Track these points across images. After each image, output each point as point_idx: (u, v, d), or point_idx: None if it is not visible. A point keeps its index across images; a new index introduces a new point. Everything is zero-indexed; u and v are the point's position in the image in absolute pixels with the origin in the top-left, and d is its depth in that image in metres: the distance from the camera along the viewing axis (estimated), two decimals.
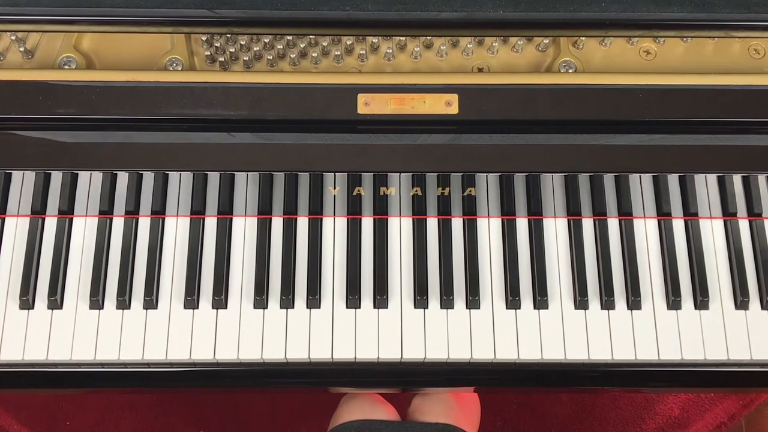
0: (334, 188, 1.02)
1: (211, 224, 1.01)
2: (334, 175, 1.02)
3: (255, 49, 0.99)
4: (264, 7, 0.89)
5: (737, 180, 1.03)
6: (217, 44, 0.99)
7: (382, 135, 0.93)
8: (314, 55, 0.99)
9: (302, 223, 1.01)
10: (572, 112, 0.93)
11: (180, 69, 0.97)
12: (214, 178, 1.02)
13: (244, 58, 0.99)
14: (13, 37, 0.97)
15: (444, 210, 1.01)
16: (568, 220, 1.02)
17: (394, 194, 1.02)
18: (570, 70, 0.98)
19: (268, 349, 0.95)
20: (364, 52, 0.99)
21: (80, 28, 0.94)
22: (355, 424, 1.04)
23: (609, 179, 1.03)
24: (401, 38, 0.99)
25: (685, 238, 1.01)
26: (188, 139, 0.92)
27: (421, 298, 0.97)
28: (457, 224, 1.01)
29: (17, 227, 1.00)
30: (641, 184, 1.03)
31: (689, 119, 0.93)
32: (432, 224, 1.01)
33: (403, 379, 0.99)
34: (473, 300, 0.97)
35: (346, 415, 1.08)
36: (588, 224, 1.02)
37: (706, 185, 1.03)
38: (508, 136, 0.93)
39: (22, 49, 0.97)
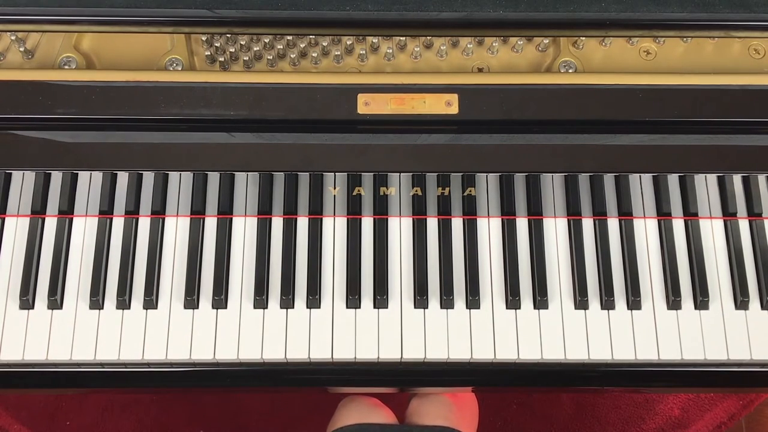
0: (334, 188, 1.02)
1: (211, 224, 1.01)
2: (334, 175, 1.02)
3: (255, 49, 0.99)
4: (264, 7, 0.89)
5: (737, 180, 1.03)
6: (217, 44, 0.99)
7: (382, 135, 0.93)
8: (314, 55, 0.99)
9: (302, 223, 1.01)
10: (572, 112, 0.93)
11: (180, 69, 0.97)
12: (214, 178, 1.02)
13: (244, 58, 0.99)
14: (13, 37, 0.97)
15: (444, 210, 1.01)
16: (568, 220, 1.02)
17: (394, 194, 1.02)
18: (570, 70, 0.98)
19: (268, 349, 0.95)
20: (364, 52, 0.99)
21: (80, 28, 0.94)
22: (353, 428, 1.04)
23: (609, 179, 1.03)
24: (401, 38, 0.99)
25: (685, 238, 1.01)
26: (188, 139, 0.92)
27: (421, 298, 0.97)
28: (457, 224, 1.01)
29: (17, 227, 1.00)
30: (641, 184, 1.03)
31: (689, 119, 0.93)
32: (432, 224, 1.01)
33: (403, 379, 0.99)
34: (473, 300, 0.97)
35: (343, 419, 1.08)
36: (588, 224, 1.02)
37: (706, 185, 1.03)
38: (508, 136, 0.93)
39: (22, 49, 0.97)
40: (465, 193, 1.02)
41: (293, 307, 0.97)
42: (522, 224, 1.01)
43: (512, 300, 0.97)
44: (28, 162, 0.93)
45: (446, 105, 0.92)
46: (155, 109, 0.91)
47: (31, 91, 0.91)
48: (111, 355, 0.95)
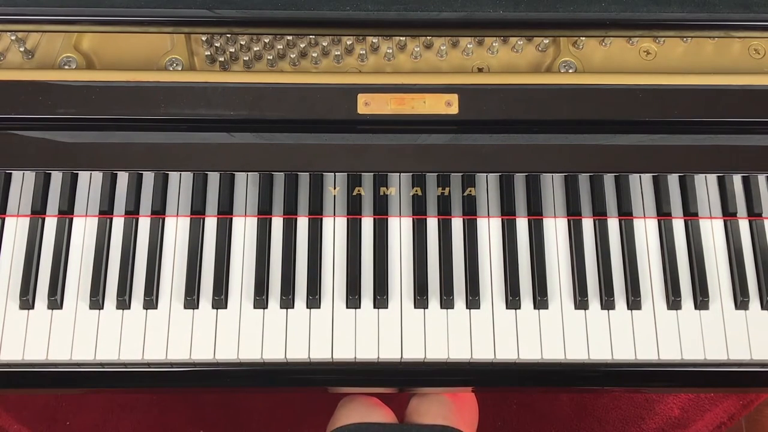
0: (334, 188, 1.02)
1: (211, 224, 1.01)
2: (334, 175, 1.02)
3: (255, 49, 0.99)
4: (264, 7, 0.89)
5: (737, 180, 1.03)
6: (217, 44, 0.99)
7: (382, 135, 0.93)
8: (314, 55, 0.99)
9: (302, 223, 1.01)
10: (572, 112, 0.93)
11: (180, 69, 0.97)
12: (214, 178, 1.02)
13: (244, 58, 0.99)
14: (13, 37, 0.97)
15: (444, 210, 1.01)
16: (568, 220, 1.02)
17: (394, 194, 1.02)
18: (570, 70, 0.98)
19: (268, 349, 0.95)
20: (364, 52, 0.99)
21: (80, 28, 0.94)
22: (352, 428, 1.04)
23: (609, 179, 1.03)
24: (401, 38, 0.99)
25: (685, 238, 1.01)
26: (188, 139, 0.92)
27: (421, 298, 0.97)
28: (457, 224, 1.01)
29: (17, 227, 1.00)
30: (641, 184, 1.03)
31: (689, 119, 0.93)
32: (432, 224, 1.01)
33: (403, 379, 0.99)
34: (473, 300, 0.97)
35: (343, 419, 1.08)
36: (588, 224, 1.02)
37: (706, 185, 1.03)
38: (508, 136, 0.93)
39: (22, 49, 0.97)
40: (465, 193, 1.02)
41: (293, 307, 0.97)
42: (522, 224, 1.01)
43: (512, 300, 0.97)
44: (28, 162, 0.93)
45: (446, 105, 0.92)
46: (155, 109, 0.91)
47: (31, 91, 0.91)
48: (111, 355, 0.95)
